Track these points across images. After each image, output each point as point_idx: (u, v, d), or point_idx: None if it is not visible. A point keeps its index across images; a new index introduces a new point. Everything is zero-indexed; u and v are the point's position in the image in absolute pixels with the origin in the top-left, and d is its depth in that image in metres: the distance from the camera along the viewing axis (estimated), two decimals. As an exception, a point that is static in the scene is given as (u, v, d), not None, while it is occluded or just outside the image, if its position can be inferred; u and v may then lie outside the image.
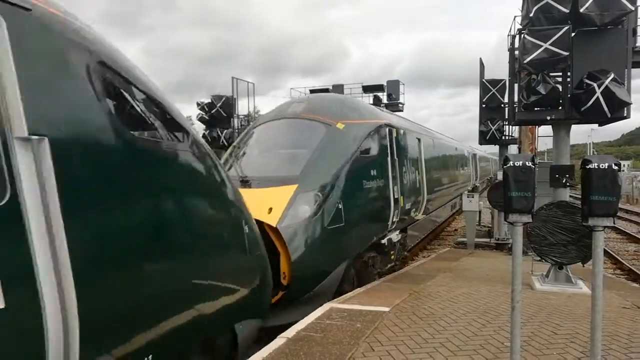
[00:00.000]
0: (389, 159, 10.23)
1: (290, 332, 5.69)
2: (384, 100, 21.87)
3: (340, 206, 7.99)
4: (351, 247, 8.55)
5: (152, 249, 3.29)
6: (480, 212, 17.81)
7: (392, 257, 11.00)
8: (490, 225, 17.80)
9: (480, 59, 16.63)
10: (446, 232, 21.45)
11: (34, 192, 2.35)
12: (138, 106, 3.46)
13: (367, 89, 22.13)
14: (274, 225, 6.88)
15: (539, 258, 8.53)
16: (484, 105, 16.28)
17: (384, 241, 10.12)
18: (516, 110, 9.96)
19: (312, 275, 7.37)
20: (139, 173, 3.23)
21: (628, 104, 8.49)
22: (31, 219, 2.32)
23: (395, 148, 10.73)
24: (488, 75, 16.26)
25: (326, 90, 24.12)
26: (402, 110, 21.98)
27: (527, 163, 3.97)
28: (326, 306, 6.89)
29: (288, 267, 6.90)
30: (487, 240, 15.58)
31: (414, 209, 12.23)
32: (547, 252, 8.11)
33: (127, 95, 3.33)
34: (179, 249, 3.58)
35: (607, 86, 8.18)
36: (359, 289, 8.43)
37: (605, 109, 8.30)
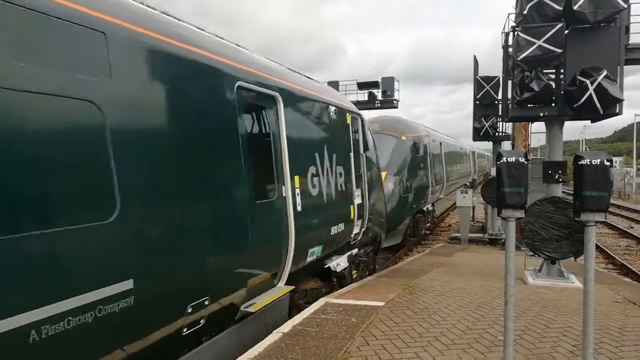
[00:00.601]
0: (427, 157, 16.51)
1: (286, 327, 5.73)
2: (379, 97, 21.85)
3: (407, 184, 14.08)
4: (412, 209, 14.82)
5: (378, 191, 10.08)
6: (474, 207, 17.92)
7: (429, 219, 18.05)
8: (483, 221, 17.93)
9: (475, 56, 16.67)
10: (440, 227, 21.56)
11: (364, 169, 8.92)
12: (370, 136, 9.81)
13: (362, 85, 22.11)
14: None
15: (532, 253, 8.61)
16: (477, 102, 16.33)
17: (424, 209, 16.71)
18: (510, 107, 10.03)
19: (396, 221, 13.08)
20: (374, 163, 9.98)
21: (620, 101, 8.57)
22: (363, 175, 8.80)
23: (430, 150, 16.99)
24: (484, 73, 16.32)
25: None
26: (396, 107, 22.00)
27: (520, 159, 4.01)
28: (321, 301, 6.94)
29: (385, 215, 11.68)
30: (481, 235, 15.70)
31: (439, 191, 19.08)
32: (540, 247, 8.19)
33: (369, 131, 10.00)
34: (380, 195, 10.16)
35: (599, 83, 8.25)
36: (354, 283, 8.49)
37: (598, 105, 8.37)
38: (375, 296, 7.29)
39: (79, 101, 3.18)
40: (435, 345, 5.29)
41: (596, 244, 6.05)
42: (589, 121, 10.42)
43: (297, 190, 6.09)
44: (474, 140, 17.47)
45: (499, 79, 14.91)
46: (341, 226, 7.68)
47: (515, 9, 9.51)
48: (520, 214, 4.06)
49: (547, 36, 8.44)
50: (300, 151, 6.30)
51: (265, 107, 5.87)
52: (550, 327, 5.90)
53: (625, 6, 8.56)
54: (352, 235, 8.30)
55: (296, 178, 6.10)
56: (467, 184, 30.10)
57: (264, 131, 6.06)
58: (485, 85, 15.84)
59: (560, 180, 9.45)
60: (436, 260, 11.15)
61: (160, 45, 3.97)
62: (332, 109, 7.66)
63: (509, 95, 10.31)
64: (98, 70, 3.36)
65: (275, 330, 5.65)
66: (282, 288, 5.91)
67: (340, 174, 7.66)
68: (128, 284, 3.44)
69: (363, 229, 8.73)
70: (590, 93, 8.31)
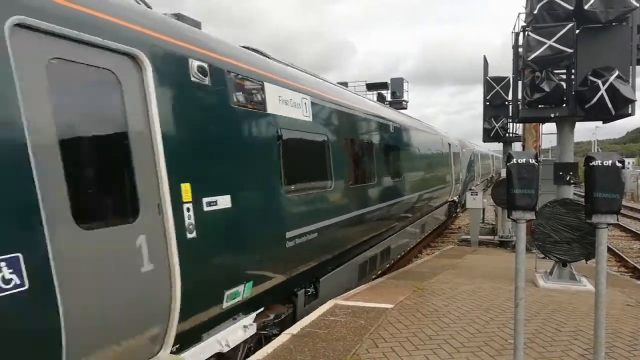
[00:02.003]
0: (472, 160, 30.15)
1: (295, 329, 5.73)
2: (388, 97, 21.78)
3: (467, 175, 26.62)
4: (466, 188, 24.51)
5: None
6: (484, 209, 17.81)
7: None
8: (494, 223, 17.79)
9: (484, 56, 16.56)
10: (450, 229, 21.46)
11: (462, 166, 26.25)
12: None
13: (370, 86, 22.04)
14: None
15: (542, 255, 8.53)
16: (487, 103, 16.22)
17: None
18: (520, 108, 9.95)
19: (463, 192, 23.62)
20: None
21: (633, 101, 8.45)
22: (461, 169, 24.71)
23: (474, 157, 31.11)
24: (494, 73, 16.21)
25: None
26: (405, 108, 21.88)
27: (530, 160, 3.98)
28: (330, 303, 6.93)
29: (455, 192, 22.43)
30: (491, 237, 15.58)
31: (477, 179, 32.90)
32: (551, 249, 8.11)
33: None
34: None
35: (611, 83, 8.14)
36: (362, 285, 8.47)
37: (610, 106, 8.26)
38: (384, 298, 7.26)
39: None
40: (445, 348, 5.26)
41: (608, 247, 5.98)
42: (601, 122, 10.30)
43: (454, 170, 20.34)
44: (484, 141, 17.34)
45: (509, 80, 14.79)
46: (458, 186, 21.31)
47: (526, 8, 9.42)
48: (530, 215, 4.02)
49: (557, 36, 8.35)
50: (455, 159, 20.75)
51: (448, 147, 19.41)
52: (561, 331, 5.84)
53: (638, 5, 8.44)
54: (459, 190, 21.49)
55: (453, 167, 20.12)
56: (489, 178, 44.00)
57: (450, 156, 19.69)
58: (495, 86, 15.73)
59: (572, 181, 9.34)
60: (446, 263, 11.09)
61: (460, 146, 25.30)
62: (458, 143, 23.03)
63: (519, 96, 10.21)
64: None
65: (283, 332, 5.65)
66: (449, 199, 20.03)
67: (457, 167, 21.07)
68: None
69: (460, 190, 21.98)
70: (602, 93, 8.20)
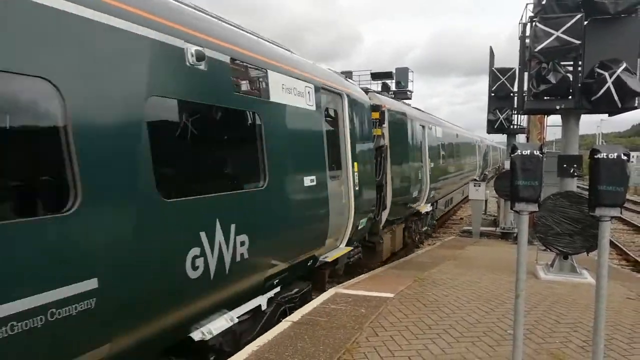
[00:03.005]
0: (488, 151, 43.73)
1: (296, 316, 5.76)
2: (392, 87, 21.63)
3: (484, 161, 37.53)
4: (483, 171, 35.70)
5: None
6: (486, 201, 17.80)
7: (488, 175, 37.98)
8: (496, 215, 17.79)
9: (491, 47, 16.44)
10: (452, 220, 21.47)
11: (483, 155, 39.23)
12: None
13: (375, 76, 21.84)
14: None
15: (544, 247, 8.53)
16: (493, 94, 16.14)
17: (486, 172, 37.18)
18: (525, 99, 9.89)
19: (482, 173, 34.73)
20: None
21: (639, 94, 8.40)
22: (483, 156, 38.81)
23: (487, 149, 43.25)
24: (500, 64, 16.09)
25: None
26: (410, 98, 21.73)
27: (534, 152, 3.94)
28: (331, 291, 6.96)
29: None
30: (493, 229, 15.58)
31: (490, 165, 45.65)
32: (553, 241, 8.11)
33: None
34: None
35: (618, 76, 8.09)
36: (363, 275, 8.50)
37: (616, 98, 8.22)
38: (385, 287, 7.29)
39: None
40: (444, 337, 5.29)
41: (610, 240, 5.97)
42: (607, 115, 10.25)
43: (478, 158, 31.33)
44: (488, 132, 17.27)
45: (515, 71, 14.70)
46: (479, 170, 31.88)
47: (534, -1, 9.34)
48: (533, 207, 4.00)
49: (565, 27, 8.27)
50: (478, 151, 32.31)
51: (475, 142, 31.34)
52: (561, 322, 5.86)
53: (648, -3, 8.35)
54: (479, 172, 30.84)
55: (477, 156, 31.39)
56: (497, 167, 48.43)
57: (476, 148, 31.75)
58: (501, 77, 15.64)
59: (576, 174, 9.32)
60: (447, 253, 11.11)
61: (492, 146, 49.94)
62: (479, 139, 34.24)
63: (525, 87, 10.15)
64: None
65: (284, 319, 5.69)
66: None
67: (479, 157, 33.00)
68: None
69: (480, 172, 30.90)
70: (609, 86, 8.15)
